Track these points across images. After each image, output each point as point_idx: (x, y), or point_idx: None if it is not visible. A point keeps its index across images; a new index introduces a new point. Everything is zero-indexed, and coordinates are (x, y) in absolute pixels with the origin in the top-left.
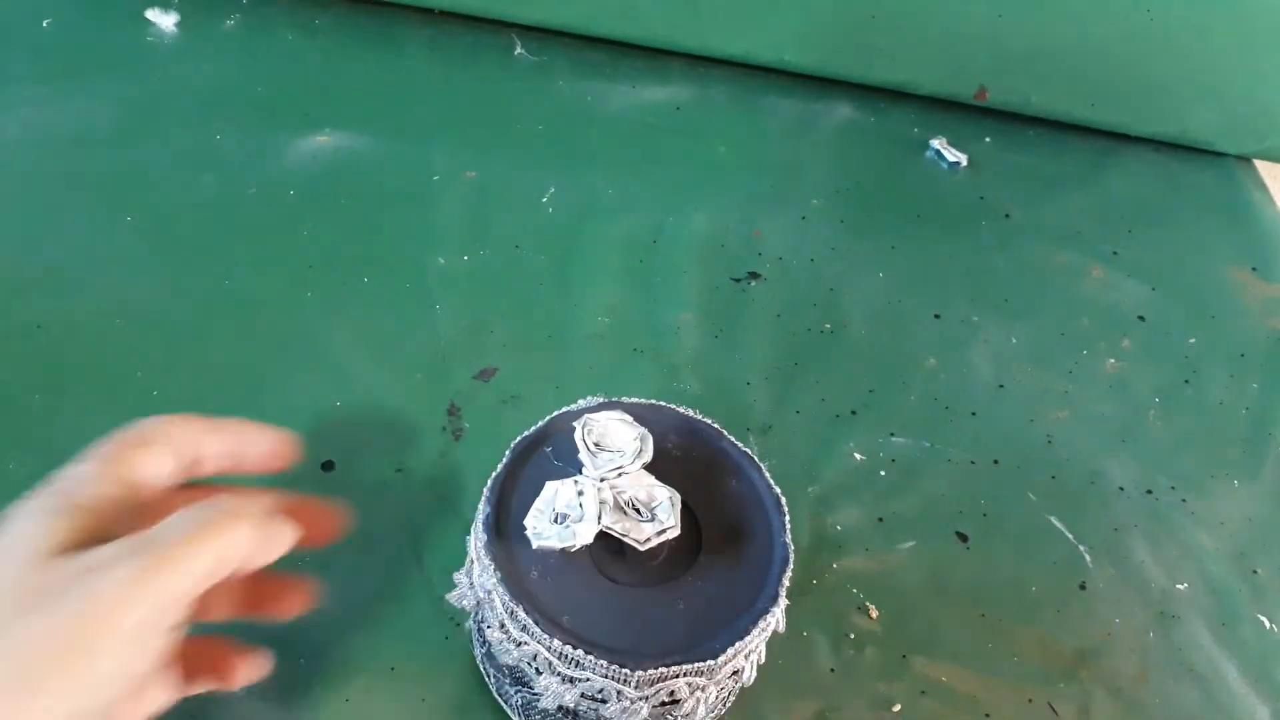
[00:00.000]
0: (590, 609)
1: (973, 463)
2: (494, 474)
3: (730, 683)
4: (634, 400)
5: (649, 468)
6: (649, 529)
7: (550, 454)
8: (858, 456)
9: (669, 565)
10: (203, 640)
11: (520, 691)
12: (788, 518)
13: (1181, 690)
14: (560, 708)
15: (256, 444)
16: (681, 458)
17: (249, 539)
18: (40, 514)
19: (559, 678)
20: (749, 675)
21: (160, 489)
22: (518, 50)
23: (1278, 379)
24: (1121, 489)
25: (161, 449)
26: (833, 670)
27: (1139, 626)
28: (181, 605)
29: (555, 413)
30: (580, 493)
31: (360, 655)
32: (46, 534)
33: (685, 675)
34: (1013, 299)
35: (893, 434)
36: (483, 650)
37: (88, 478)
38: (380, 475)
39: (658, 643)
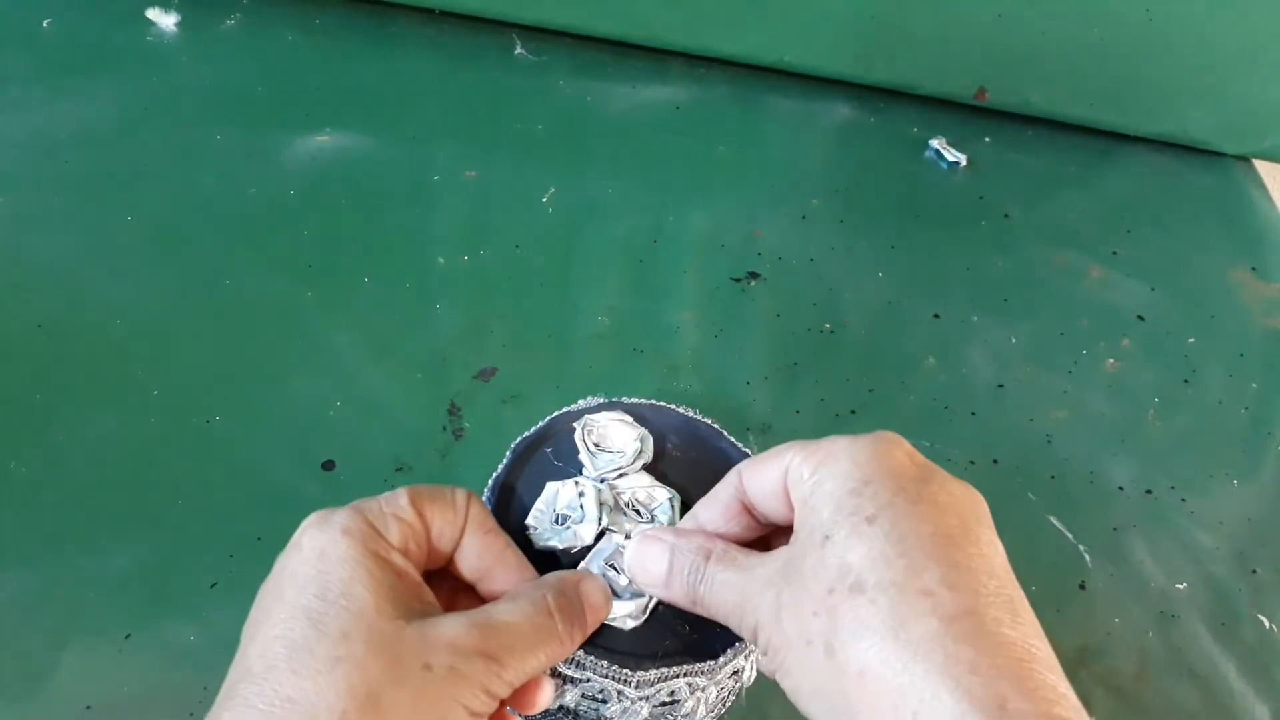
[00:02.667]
0: None
1: (972, 463)
2: (494, 474)
3: (730, 683)
4: (634, 400)
5: (649, 468)
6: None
7: (550, 454)
8: None
9: None
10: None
11: None
12: None
13: (1181, 689)
14: (560, 707)
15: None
16: (681, 458)
17: (567, 653)
18: (363, 560)
19: (559, 678)
20: (749, 675)
21: (444, 549)
22: (518, 50)
23: (1277, 379)
24: (1121, 489)
25: (457, 512)
26: None
27: (1138, 626)
28: (500, 699)
29: (555, 413)
30: (581, 493)
31: None
32: (379, 589)
33: (685, 675)
34: (1012, 299)
35: None
36: None
37: (394, 516)
38: (380, 475)
39: (658, 643)
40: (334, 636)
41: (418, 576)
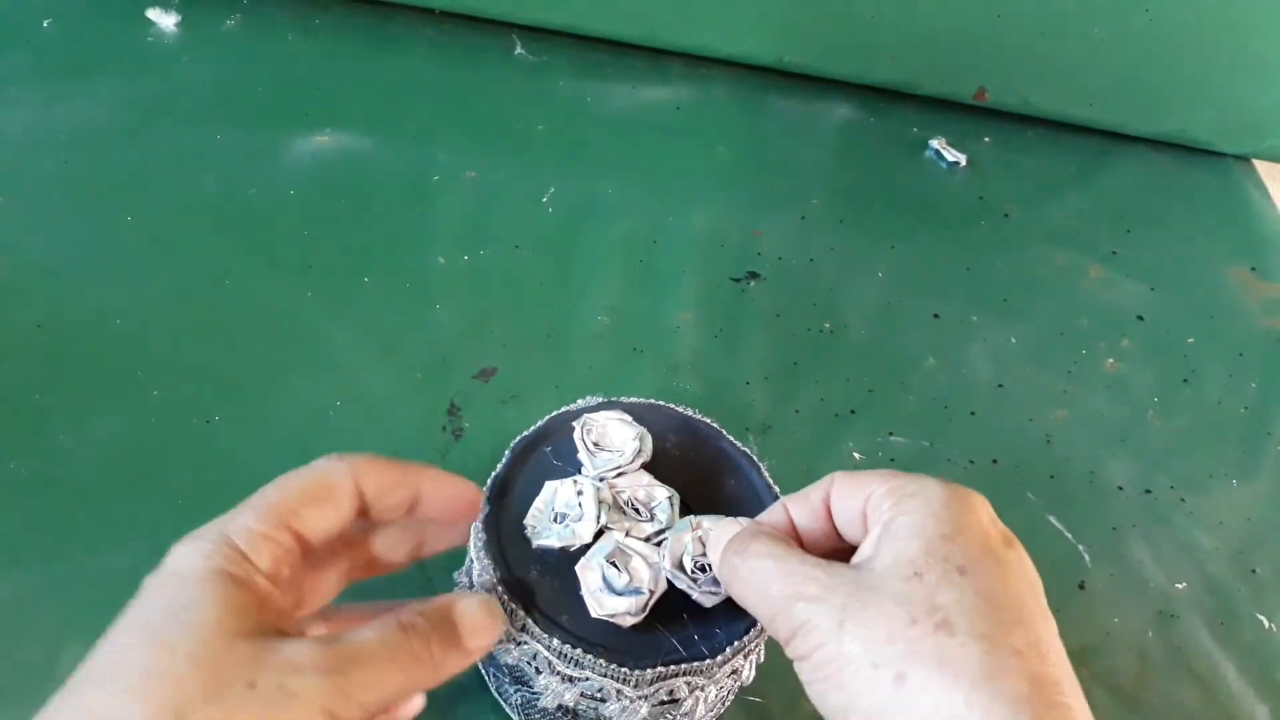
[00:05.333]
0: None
1: (972, 462)
2: (494, 474)
3: (729, 682)
4: (634, 400)
5: (648, 467)
6: (648, 529)
7: (549, 453)
8: (857, 456)
9: None
10: None
11: (520, 690)
12: None
13: (1180, 689)
14: (560, 707)
15: (439, 496)
16: (681, 458)
17: (436, 674)
18: (221, 580)
19: (559, 677)
20: (748, 675)
21: (328, 541)
22: (518, 50)
23: (1276, 379)
24: (1120, 488)
25: (339, 504)
26: None
27: (1138, 626)
28: None
29: (555, 412)
30: (580, 492)
31: None
32: (229, 607)
33: (684, 675)
34: (1012, 299)
35: (892, 434)
36: None
37: (264, 536)
38: None
39: (657, 643)
40: (158, 649)
41: (284, 602)
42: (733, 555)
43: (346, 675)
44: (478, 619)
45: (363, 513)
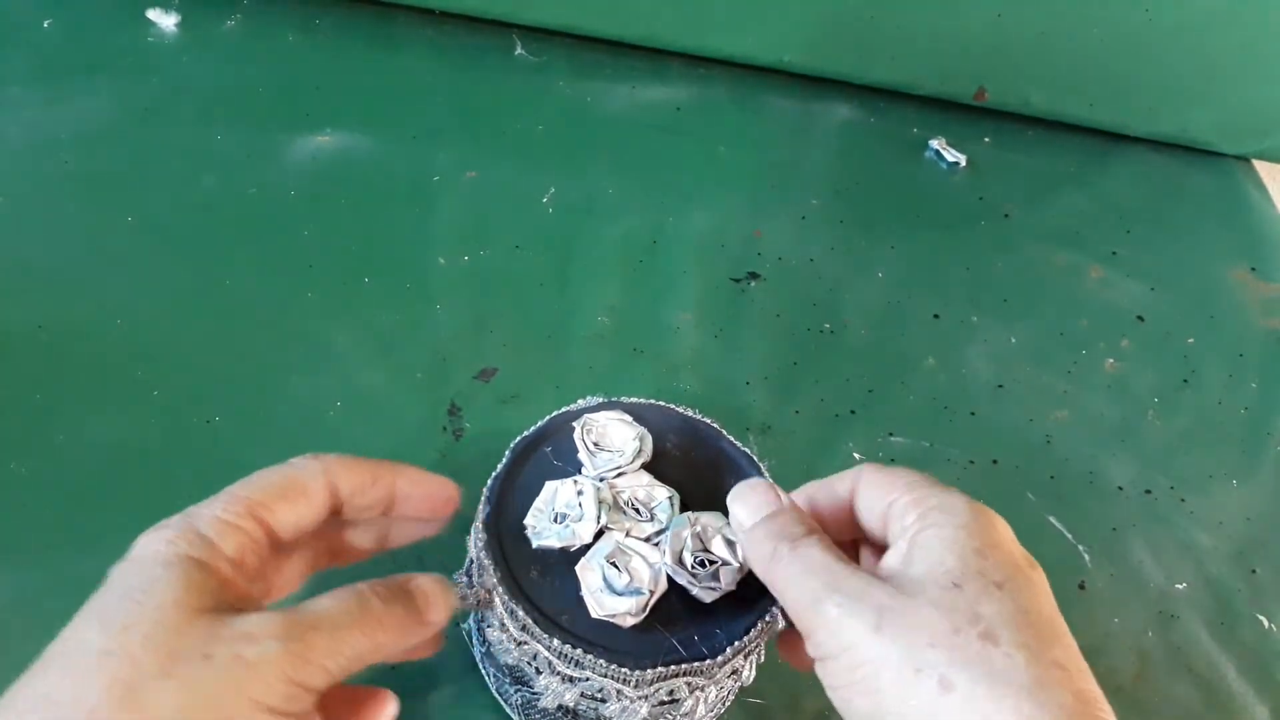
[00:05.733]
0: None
1: (972, 462)
2: (494, 474)
3: (730, 682)
4: (634, 400)
5: (649, 467)
6: (648, 529)
7: (550, 453)
8: (857, 456)
9: None
10: (337, 693)
11: (520, 691)
12: None
13: (1180, 689)
14: (560, 707)
15: (415, 494)
16: (681, 458)
17: (397, 637)
18: (183, 563)
19: (559, 677)
20: (748, 675)
21: (298, 536)
22: (518, 50)
23: (1276, 379)
24: (1120, 489)
25: (311, 501)
26: None
27: (1138, 626)
28: (319, 692)
29: (555, 413)
30: (580, 492)
31: None
32: (190, 587)
33: (685, 675)
34: (1012, 299)
35: (892, 434)
36: (482, 650)
37: (231, 525)
38: None
39: (657, 642)
40: (114, 630)
41: (249, 589)
42: (783, 542)
43: (305, 641)
44: (434, 591)
45: (336, 511)
